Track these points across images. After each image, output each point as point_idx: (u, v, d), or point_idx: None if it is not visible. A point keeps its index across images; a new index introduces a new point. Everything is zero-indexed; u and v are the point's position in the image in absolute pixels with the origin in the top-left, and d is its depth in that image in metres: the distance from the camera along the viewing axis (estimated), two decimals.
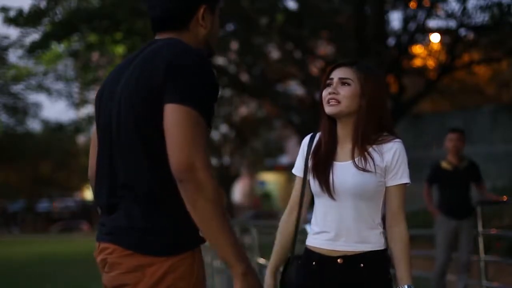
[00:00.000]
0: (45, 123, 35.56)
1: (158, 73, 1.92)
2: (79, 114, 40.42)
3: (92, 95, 37.36)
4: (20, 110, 31.70)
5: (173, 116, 1.86)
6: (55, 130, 36.39)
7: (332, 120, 2.57)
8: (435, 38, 16.62)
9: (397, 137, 2.52)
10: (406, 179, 2.50)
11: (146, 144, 1.94)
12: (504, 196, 7.43)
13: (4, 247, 24.49)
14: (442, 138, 6.90)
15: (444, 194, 6.66)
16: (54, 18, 14.71)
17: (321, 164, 2.52)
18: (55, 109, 64.20)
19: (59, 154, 37.75)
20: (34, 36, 15.59)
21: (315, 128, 2.71)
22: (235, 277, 1.87)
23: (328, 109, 2.51)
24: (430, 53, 17.79)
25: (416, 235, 10.75)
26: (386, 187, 2.50)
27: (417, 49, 17.88)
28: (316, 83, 15.79)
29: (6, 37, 24.62)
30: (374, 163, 2.47)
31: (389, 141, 2.51)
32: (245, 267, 1.86)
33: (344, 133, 2.55)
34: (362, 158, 2.48)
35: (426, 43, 17.34)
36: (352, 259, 2.47)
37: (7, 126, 32.83)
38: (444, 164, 6.62)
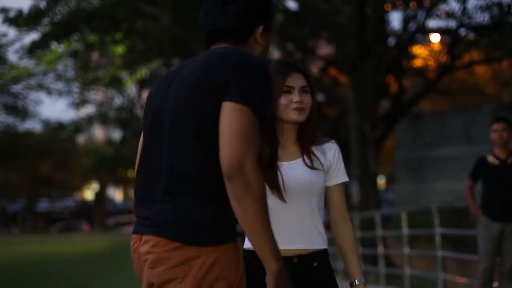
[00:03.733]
0: (45, 122, 35.57)
1: (225, 71, 1.98)
2: (79, 114, 40.44)
3: (92, 95, 37.42)
4: (20, 109, 31.67)
5: (232, 114, 1.92)
6: (56, 129, 36.40)
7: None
8: (435, 38, 16.63)
9: (331, 138, 2.62)
10: (346, 178, 2.61)
11: (202, 138, 1.99)
12: None
13: (4, 247, 24.48)
14: (442, 138, 6.73)
15: (487, 192, 5.98)
16: (53, 18, 14.70)
17: (267, 166, 2.49)
18: (55, 108, 64.25)
19: (59, 154, 37.76)
20: (31, 35, 15.62)
21: None
22: (269, 274, 1.94)
23: (295, 117, 2.52)
24: (430, 53, 17.81)
25: (416, 235, 10.76)
26: (329, 186, 2.58)
27: (417, 49, 17.89)
28: (316, 83, 15.79)
29: (4, 35, 24.63)
30: (320, 162, 2.54)
31: (327, 141, 2.60)
32: (280, 266, 1.93)
33: (288, 135, 2.57)
34: (309, 157, 2.54)
35: (426, 43, 17.36)
36: (306, 258, 2.48)
37: (7, 126, 32.82)
38: (490, 159, 5.92)
